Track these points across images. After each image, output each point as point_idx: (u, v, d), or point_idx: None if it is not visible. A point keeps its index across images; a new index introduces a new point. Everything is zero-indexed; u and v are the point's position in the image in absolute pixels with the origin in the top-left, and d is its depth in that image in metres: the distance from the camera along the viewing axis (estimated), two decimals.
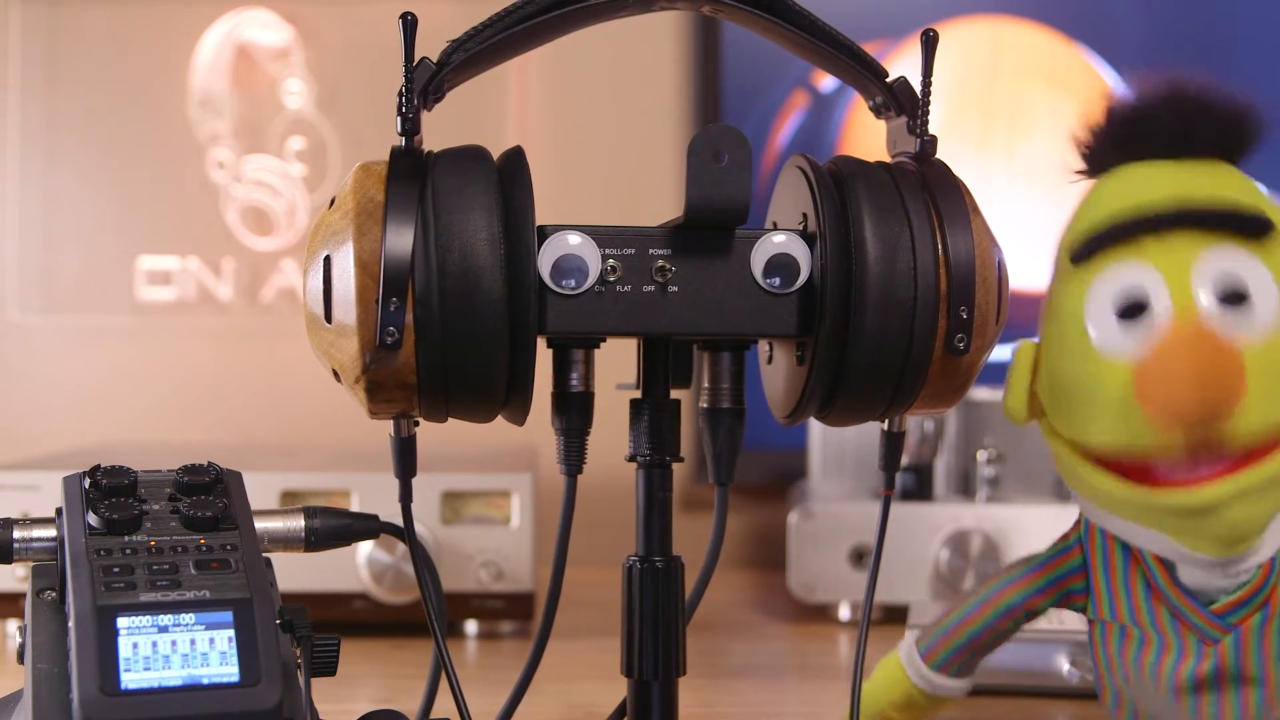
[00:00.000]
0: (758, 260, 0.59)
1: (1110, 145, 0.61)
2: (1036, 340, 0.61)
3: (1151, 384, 0.54)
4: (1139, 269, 0.56)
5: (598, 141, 1.35)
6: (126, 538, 0.55)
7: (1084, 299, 0.58)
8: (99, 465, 0.59)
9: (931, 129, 0.61)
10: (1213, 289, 0.55)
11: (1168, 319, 0.55)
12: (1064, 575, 0.62)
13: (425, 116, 0.59)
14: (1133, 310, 0.56)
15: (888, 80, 0.62)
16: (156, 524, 0.56)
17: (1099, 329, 0.57)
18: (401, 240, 0.55)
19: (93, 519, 0.56)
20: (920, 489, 1.03)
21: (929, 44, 0.61)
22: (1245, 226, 0.55)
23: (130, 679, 0.50)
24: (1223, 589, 0.57)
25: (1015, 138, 1.29)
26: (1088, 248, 0.58)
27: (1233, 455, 0.54)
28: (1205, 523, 0.55)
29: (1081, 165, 0.63)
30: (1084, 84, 1.30)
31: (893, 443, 0.62)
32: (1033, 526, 0.99)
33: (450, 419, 0.59)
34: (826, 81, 1.30)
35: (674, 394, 0.64)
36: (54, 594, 0.56)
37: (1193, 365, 0.53)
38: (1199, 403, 0.53)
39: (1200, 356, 0.54)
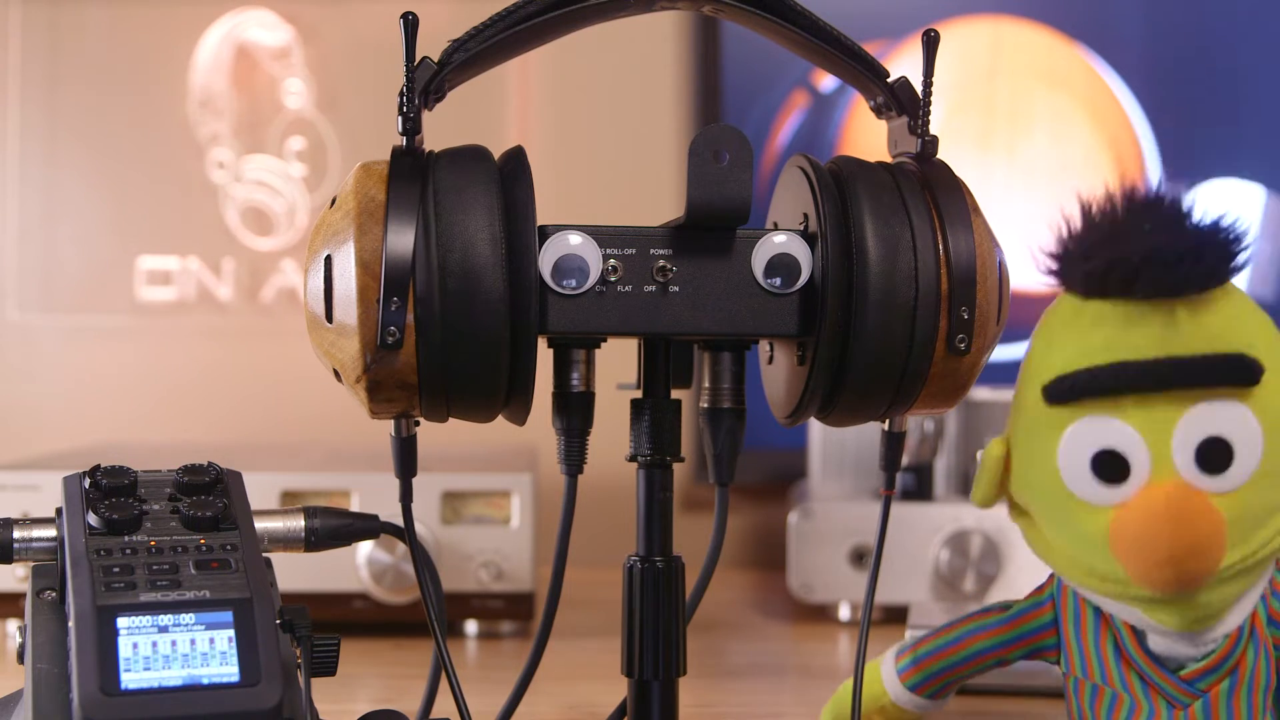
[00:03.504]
0: (758, 260, 0.59)
1: (1101, 279, 0.55)
2: (1003, 438, 0.60)
3: (1129, 546, 0.54)
4: (1118, 429, 0.54)
5: (598, 141, 1.35)
6: (126, 538, 0.55)
7: (1058, 445, 0.56)
8: (99, 465, 0.59)
9: (932, 129, 0.61)
10: (1194, 453, 0.54)
11: (1146, 486, 0.54)
12: (1035, 630, 0.62)
13: (426, 116, 0.59)
14: (1110, 470, 0.55)
15: (888, 80, 0.62)
16: (156, 524, 0.56)
17: (1075, 480, 0.56)
18: (403, 240, 0.55)
19: (93, 519, 0.56)
20: (920, 489, 1.03)
21: (930, 44, 0.61)
22: (1232, 378, 0.53)
23: (130, 679, 0.50)
24: (1191, 656, 0.57)
25: (1015, 138, 1.29)
26: (1063, 394, 0.56)
27: None
28: (1172, 607, 0.55)
29: (1051, 276, 0.58)
30: (1084, 84, 1.30)
31: (893, 443, 0.62)
32: None
33: (451, 419, 0.59)
34: (826, 81, 1.30)
35: (674, 394, 0.64)
36: (54, 594, 0.56)
37: (1171, 539, 0.53)
38: (1177, 574, 0.53)
39: (1185, 534, 0.53)
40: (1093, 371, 0.55)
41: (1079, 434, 0.56)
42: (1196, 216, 0.54)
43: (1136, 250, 0.53)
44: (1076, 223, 0.56)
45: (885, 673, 0.65)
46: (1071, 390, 0.55)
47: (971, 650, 0.63)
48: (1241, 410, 0.53)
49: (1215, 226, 0.54)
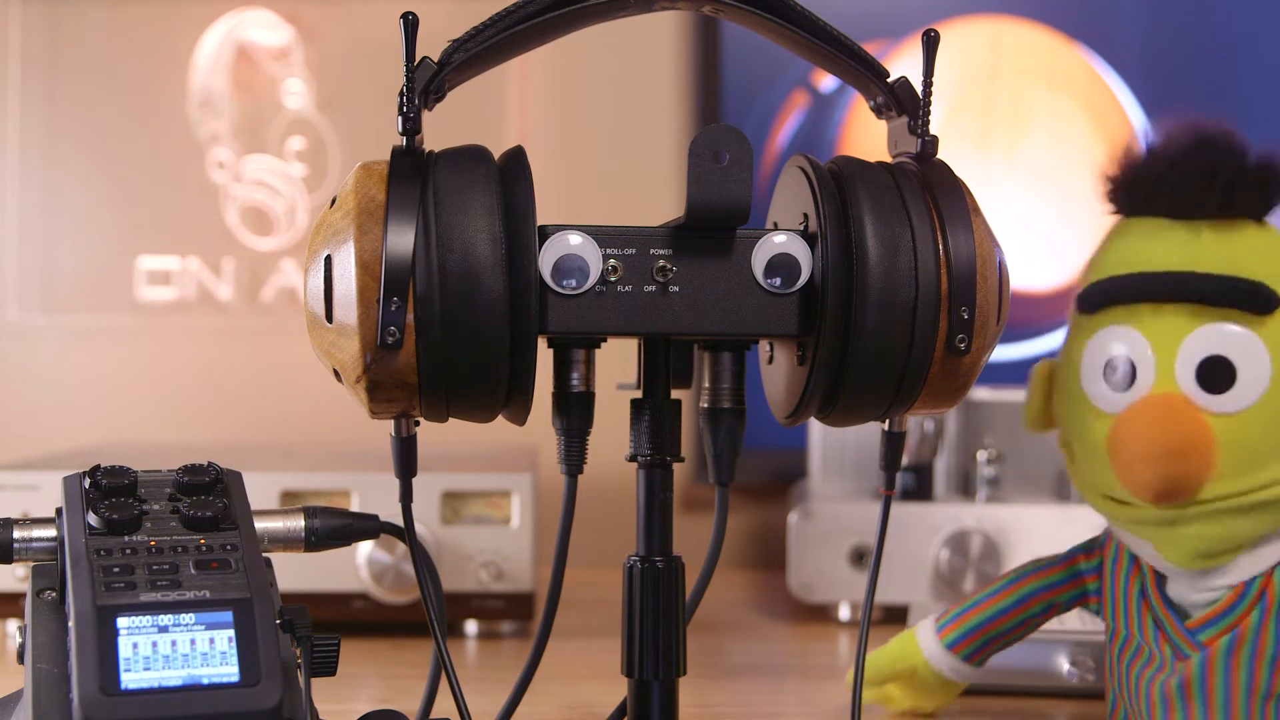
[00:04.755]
0: (759, 260, 0.59)
1: (1128, 193, 0.59)
2: (1055, 358, 0.63)
3: (1122, 450, 0.55)
4: (1132, 337, 0.57)
5: (598, 141, 1.35)
6: (126, 538, 0.55)
7: (1082, 351, 0.59)
8: (99, 465, 0.59)
9: (932, 129, 0.61)
10: (1196, 369, 0.55)
11: (1147, 393, 0.56)
12: (1083, 573, 0.64)
13: (426, 116, 0.59)
14: (1120, 375, 0.57)
15: (889, 80, 0.62)
16: (156, 524, 0.56)
17: (1089, 383, 0.58)
18: (403, 240, 0.55)
19: (93, 519, 0.56)
20: (920, 489, 1.03)
21: (930, 44, 0.61)
22: (1246, 302, 0.55)
23: (130, 679, 0.50)
24: (1197, 604, 0.58)
25: (1015, 138, 1.29)
26: (1090, 302, 0.59)
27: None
28: (1172, 533, 0.56)
29: (1108, 205, 0.62)
30: (1084, 84, 1.30)
31: (893, 443, 0.62)
32: (1033, 526, 0.99)
33: (451, 419, 0.59)
34: (826, 81, 1.30)
35: (674, 394, 0.64)
36: (54, 594, 0.56)
37: (1159, 445, 0.54)
38: (1161, 480, 0.54)
39: (1167, 438, 0.54)
40: (1115, 280, 0.57)
41: (1098, 340, 0.58)
42: (1246, 149, 0.56)
43: (1166, 167, 0.56)
44: (1134, 148, 0.58)
45: (923, 634, 0.66)
46: (1096, 298, 0.58)
47: (1019, 594, 0.64)
48: (1252, 338, 0.54)
49: (1260, 162, 0.55)
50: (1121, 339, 0.57)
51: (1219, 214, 0.56)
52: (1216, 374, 0.54)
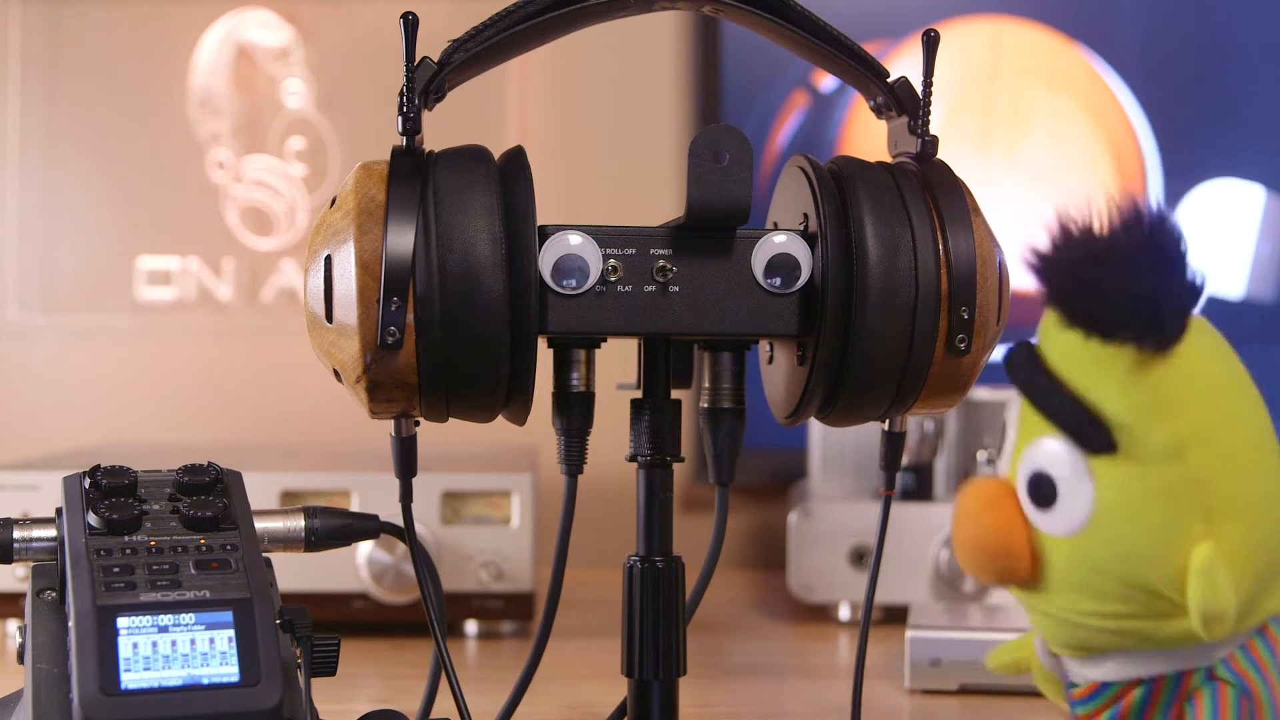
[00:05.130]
0: (758, 260, 0.59)
1: (1039, 277, 0.52)
2: None
3: (952, 528, 0.53)
4: (1014, 420, 0.54)
5: (598, 141, 1.35)
6: (126, 538, 0.55)
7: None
8: (99, 465, 0.59)
9: (932, 129, 0.61)
10: (1027, 477, 0.51)
11: (991, 475, 0.53)
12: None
13: (426, 116, 0.59)
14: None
15: (889, 80, 0.62)
16: (156, 524, 0.56)
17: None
18: (403, 240, 0.55)
19: (93, 519, 0.56)
20: (920, 489, 1.03)
21: (930, 44, 0.61)
22: (1082, 438, 0.49)
23: (130, 679, 0.50)
24: (1075, 677, 0.55)
25: (1015, 138, 1.29)
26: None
27: None
28: (1032, 612, 0.53)
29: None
30: (1084, 84, 1.30)
31: (893, 443, 0.62)
32: None
33: (451, 419, 0.59)
34: (826, 81, 1.30)
35: (674, 394, 0.64)
36: (54, 594, 0.56)
37: (971, 538, 0.52)
38: (980, 574, 0.52)
39: (977, 533, 0.52)
40: (1009, 362, 0.53)
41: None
42: (1152, 265, 0.47)
43: (1063, 273, 0.49)
44: (1058, 232, 0.51)
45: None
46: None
47: None
48: (1083, 469, 0.49)
49: (1158, 290, 0.47)
50: (1011, 421, 0.54)
51: (1105, 337, 0.49)
52: (1041, 489, 0.51)
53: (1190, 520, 0.48)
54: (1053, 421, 0.50)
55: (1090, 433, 0.49)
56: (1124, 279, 0.47)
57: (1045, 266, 0.49)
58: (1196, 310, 0.49)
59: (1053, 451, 0.50)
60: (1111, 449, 0.48)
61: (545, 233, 0.58)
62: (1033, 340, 0.52)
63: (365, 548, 0.92)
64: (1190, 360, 0.49)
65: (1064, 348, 0.50)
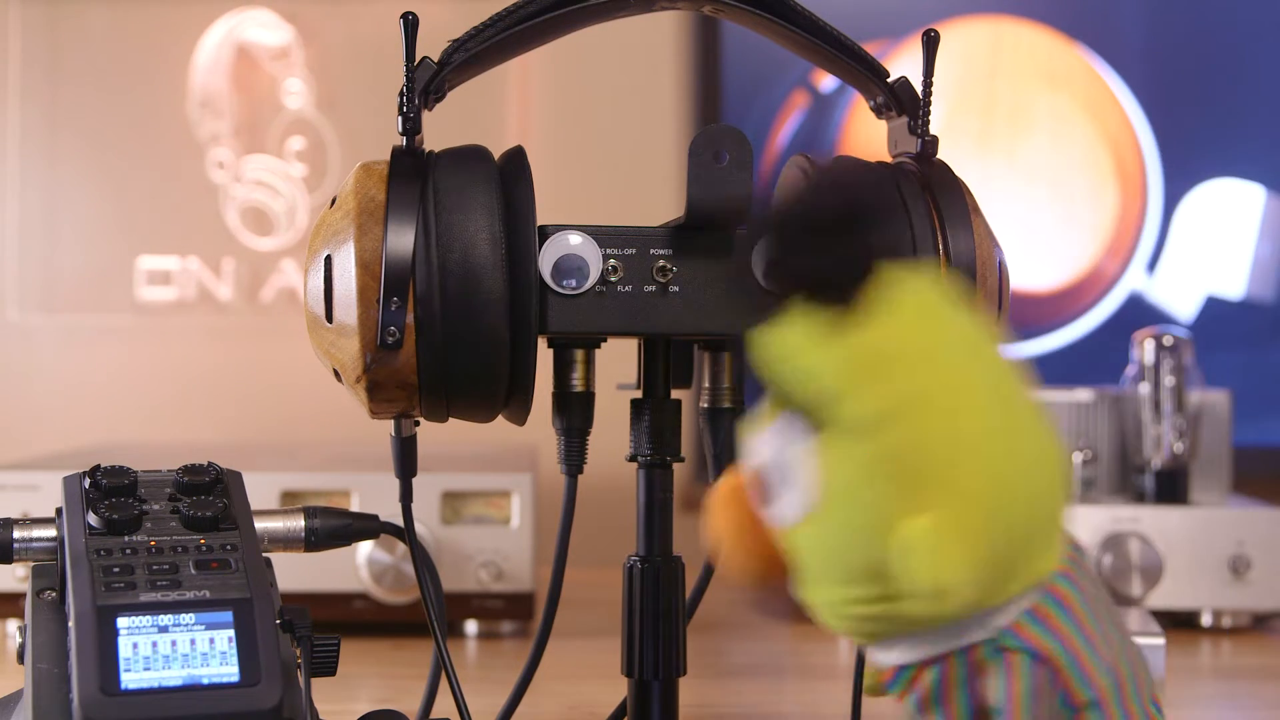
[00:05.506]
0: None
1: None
2: None
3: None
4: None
5: (598, 141, 1.35)
6: (126, 538, 0.55)
7: None
8: (99, 465, 0.59)
9: (932, 129, 0.61)
10: (752, 471, 0.49)
11: (733, 471, 0.51)
12: None
13: (426, 116, 0.59)
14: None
15: (889, 80, 0.62)
16: (156, 524, 0.56)
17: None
18: (403, 240, 0.55)
19: (93, 519, 0.56)
20: None
21: (930, 44, 0.61)
22: (791, 415, 0.47)
23: (130, 679, 0.50)
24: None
25: (1015, 138, 1.29)
26: None
27: None
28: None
29: None
30: (1084, 84, 1.30)
31: None
32: None
33: (451, 419, 0.59)
34: (826, 81, 1.30)
35: (674, 394, 0.64)
36: (54, 594, 0.56)
37: (718, 532, 0.50)
38: (738, 575, 0.50)
39: (722, 528, 0.50)
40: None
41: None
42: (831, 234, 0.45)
43: (764, 249, 0.47)
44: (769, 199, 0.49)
45: None
46: None
47: None
48: (800, 448, 0.47)
49: (839, 254, 0.45)
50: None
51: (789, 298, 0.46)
52: (769, 479, 0.49)
53: (905, 493, 0.46)
54: (772, 400, 0.48)
55: (801, 413, 0.47)
56: (812, 244, 0.45)
57: (757, 234, 0.47)
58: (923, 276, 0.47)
59: (773, 437, 0.48)
60: (820, 427, 0.46)
61: (545, 233, 0.58)
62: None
63: (365, 548, 0.92)
64: (887, 326, 0.46)
65: (776, 329, 0.47)
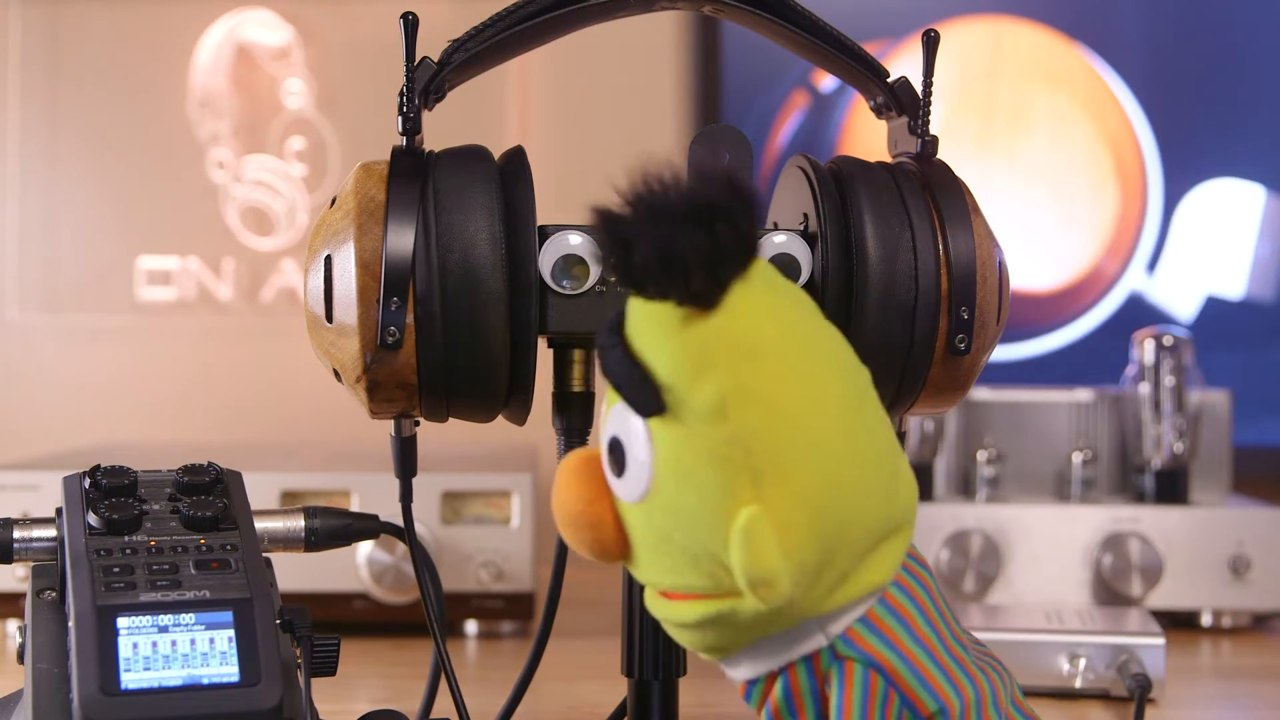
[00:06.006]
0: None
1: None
2: None
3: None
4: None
5: (598, 141, 1.35)
6: (126, 538, 0.55)
7: None
8: (99, 465, 0.59)
9: (932, 129, 0.61)
10: (606, 443, 0.49)
11: (583, 448, 0.51)
12: None
13: (426, 116, 0.59)
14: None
15: (889, 80, 0.62)
16: (156, 524, 0.56)
17: None
18: (403, 240, 0.55)
19: (93, 519, 0.56)
20: (920, 489, 1.03)
21: (930, 44, 0.61)
22: (632, 399, 0.47)
23: (130, 679, 0.50)
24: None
25: (1015, 138, 1.29)
26: None
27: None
28: (686, 637, 0.51)
29: None
30: (1084, 84, 1.30)
31: None
32: (1033, 526, 0.99)
33: (451, 419, 0.59)
34: (826, 81, 1.30)
35: None
36: (54, 594, 0.56)
37: (560, 511, 0.50)
38: (575, 546, 0.50)
39: (564, 505, 0.50)
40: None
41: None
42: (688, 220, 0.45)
43: (613, 240, 0.47)
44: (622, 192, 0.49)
45: None
46: None
47: None
48: (643, 429, 0.47)
49: (687, 246, 0.45)
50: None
51: (639, 292, 0.47)
52: (614, 455, 0.48)
53: (738, 483, 0.46)
54: (609, 382, 0.48)
55: (640, 394, 0.47)
56: (654, 234, 0.45)
57: (600, 224, 0.47)
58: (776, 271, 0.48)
59: (620, 414, 0.48)
60: (660, 410, 0.46)
61: (545, 233, 0.58)
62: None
63: (365, 548, 0.92)
64: (737, 317, 0.46)
65: (633, 310, 0.48)
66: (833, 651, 0.49)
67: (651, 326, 0.47)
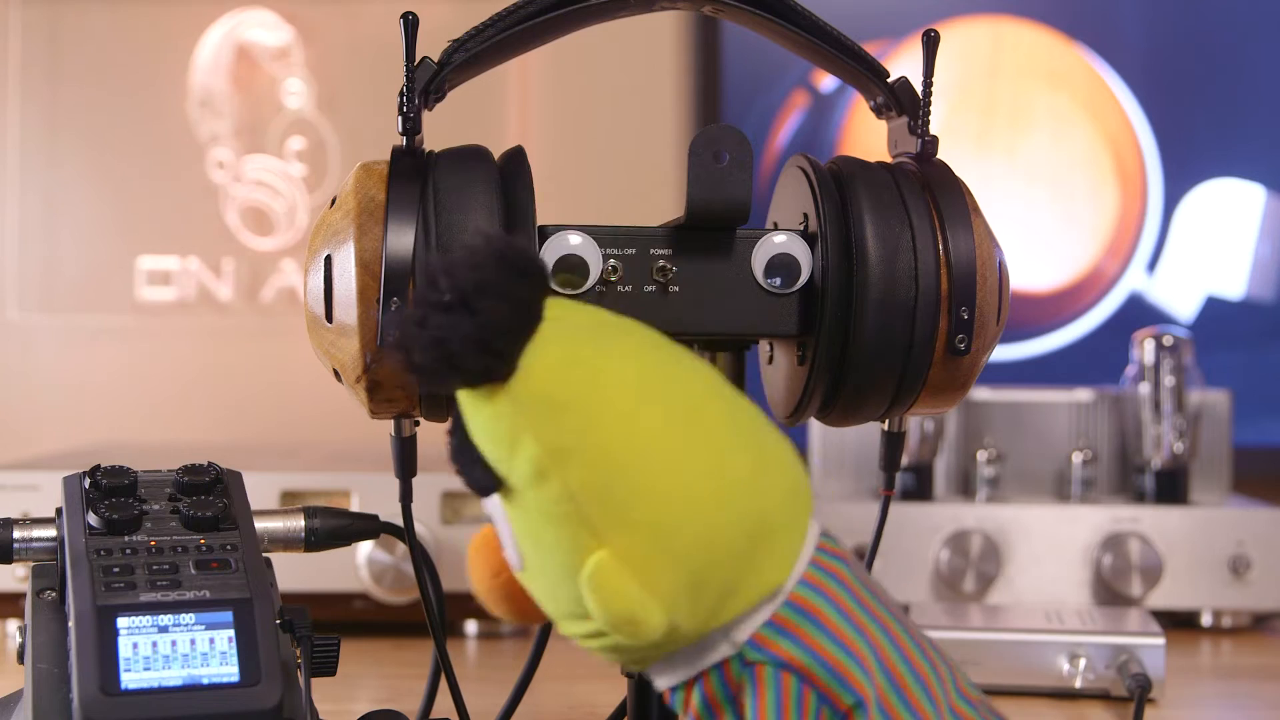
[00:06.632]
0: (758, 260, 0.59)
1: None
2: None
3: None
4: None
5: (598, 141, 1.35)
6: (126, 538, 0.55)
7: None
8: (99, 465, 0.59)
9: (932, 129, 0.61)
10: (489, 513, 0.50)
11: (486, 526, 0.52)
12: None
13: (426, 116, 0.59)
14: None
15: (889, 80, 0.62)
16: (156, 524, 0.56)
17: None
18: (403, 240, 0.55)
19: (93, 519, 0.56)
20: (920, 489, 1.03)
21: (930, 44, 0.61)
22: (471, 484, 0.49)
23: (130, 679, 0.50)
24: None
25: (1015, 138, 1.29)
26: None
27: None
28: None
29: None
30: (1084, 84, 1.30)
31: (893, 443, 0.62)
32: (1033, 526, 0.99)
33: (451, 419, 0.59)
34: (826, 81, 1.30)
35: None
36: (54, 594, 0.56)
37: (473, 582, 0.52)
38: (502, 615, 0.52)
39: (476, 579, 0.52)
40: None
41: None
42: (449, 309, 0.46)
43: (394, 343, 0.48)
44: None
45: None
46: None
47: None
48: (499, 506, 0.49)
49: (446, 329, 0.46)
50: None
51: (430, 385, 0.48)
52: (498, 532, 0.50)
53: (579, 536, 0.47)
54: (454, 469, 0.49)
55: (473, 477, 0.49)
56: (423, 333, 0.46)
57: (394, 342, 0.48)
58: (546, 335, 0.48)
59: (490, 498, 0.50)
60: (494, 487, 0.48)
61: (545, 233, 0.58)
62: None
63: (365, 548, 0.92)
64: (533, 379, 0.47)
65: (459, 399, 0.49)
66: (741, 659, 0.49)
67: (469, 411, 0.48)
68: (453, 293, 0.46)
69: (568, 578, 0.47)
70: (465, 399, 0.48)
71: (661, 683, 0.50)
